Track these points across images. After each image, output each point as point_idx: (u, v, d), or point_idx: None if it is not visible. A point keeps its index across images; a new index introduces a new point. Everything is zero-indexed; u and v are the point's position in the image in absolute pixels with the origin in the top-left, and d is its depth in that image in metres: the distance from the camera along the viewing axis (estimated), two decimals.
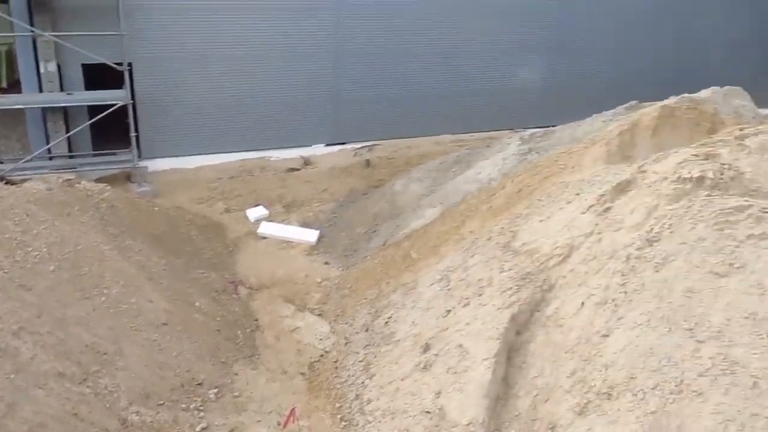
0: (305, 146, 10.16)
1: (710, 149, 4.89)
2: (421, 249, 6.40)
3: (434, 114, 10.94)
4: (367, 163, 9.92)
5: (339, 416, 4.99)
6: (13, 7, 8.03)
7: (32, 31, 7.99)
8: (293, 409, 4.99)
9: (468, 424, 4.09)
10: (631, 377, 3.76)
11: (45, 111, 8.50)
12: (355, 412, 4.90)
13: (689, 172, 4.52)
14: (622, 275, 4.22)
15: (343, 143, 10.43)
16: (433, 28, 10.57)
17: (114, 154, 8.83)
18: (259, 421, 5.03)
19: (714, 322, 3.80)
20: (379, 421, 4.65)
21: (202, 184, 9.01)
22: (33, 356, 4.35)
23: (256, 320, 6.42)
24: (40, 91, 8.34)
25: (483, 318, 4.51)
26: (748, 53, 12.89)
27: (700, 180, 4.48)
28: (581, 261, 4.52)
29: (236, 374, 5.49)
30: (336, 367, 5.56)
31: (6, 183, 7.00)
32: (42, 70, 8.27)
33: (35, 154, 8.38)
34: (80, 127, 8.50)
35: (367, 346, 5.50)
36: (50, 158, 8.64)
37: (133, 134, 8.48)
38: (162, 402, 4.81)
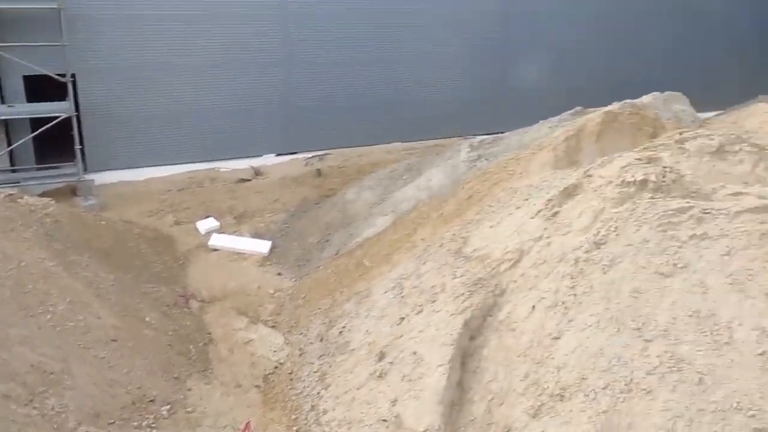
0: (256, 156, 10.09)
1: (652, 153, 5.03)
2: (374, 257, 6.40)
3: (385, 122, 10.98)
4: (319, 172, 9.90)
5: (295, 428, 4.95)
6: None
7: None
8: (248, 423, 4.93)
9: (424, 431, 4.10)
10: (583, 378, 3.82)
11: None
12: (311, 423, 4.86)
13: (633, 176, 4.64)
14: (571, 278, 4.30)
15: (294, 153, 10.39)
16: (382, 37, 10.63)
17: (58, 167, 8.62)
18: None
19: (660, 321, 3.90)
20: None
21: (151, 197, 8.85)
22: None
23: (209, 334, 6.32)
24: None
25: (437, 324, 4.53)
26: (688, 58, 13.29)
27: (644, 183, 4.60)
28: (531, 265, 4.59)
29: (189, 389, 5.39)
30: (291, 379, 5.51)
31: None
32: None
33: None
34: (22, 140, 8.28)
35: (321, 356, 5.47)
36: None
37: (77, 147, 8.30)
38: (113, 421, 4.69)
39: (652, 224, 4.31)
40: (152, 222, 8.28)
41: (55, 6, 7.95)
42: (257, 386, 5.68)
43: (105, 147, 9.03)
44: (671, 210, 4.36)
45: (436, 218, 6.34)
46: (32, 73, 8.15)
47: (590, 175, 4.97)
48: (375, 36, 10.56)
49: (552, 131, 7.25)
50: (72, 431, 4.41)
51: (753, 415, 3.38)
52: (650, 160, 4.86)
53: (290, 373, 5.59)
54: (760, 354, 3.62)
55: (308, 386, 5.24)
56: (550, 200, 4.95)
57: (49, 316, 5.09)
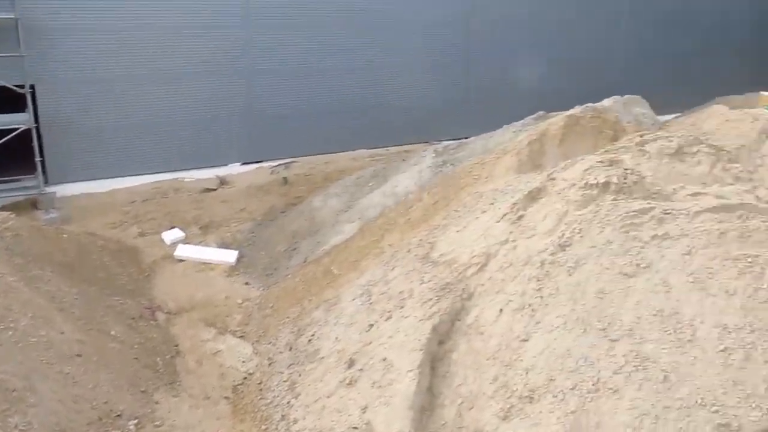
0: (221, 166, 10.02)
1: (613, 156, 5.12)
2: (342, 264, 6.39)
3: (350, 129, 11.00)
4: (285, 180, 9.86)
5: None
6: None
7: None
8: None
9: None
10: (551, 379, 3.86)
11: None
12: None
13: (595, 178, 4.71)
14: (538, 280, 4.34)
15: (260, 161, 10.34)
16: (346, 44, 10.65)
17: (18, 180, 8.46)
18: None
19: (625, 320, 3.95)
20: None
21: (115, 209, 8.74)
22: None
23: (176, 345, 6.25)
24: None
25: (405, 330, 4.54)
26: (648, 62, 13.55)
27: (606, 185, 4.67)
28: (498, 269, 4.62)
29: (157, 403, 5.32)
30: (260, 389, 5.47)
31: None
32: None
33: None
34: None
35: (291, 365, 5.44)
36: None
37: (38, 159, 8.16)
38: None
39: (615, 225, 4.38)
40: (116, 234, 8.17)
41: (12, 16, 7.82)
42: (226, 397, 5.62)
43: (66, 159, 8.89)
44: (633, 211, 4.44)
45: (403, 224, 6.36)
46: None
47: (554, 179, 5.03)
48: (339, 44, 10.58)
49: (516, 136, 7.33)
50: None
51: (716, 411, 3.44)
52: (612, 163, 4.94)
53: (260, 383, 5.54)
54: (722, 350, 3.69)
55: (278, 396, 5.21)
56: (514, 204, 5.00)
57: (11, 333, 4.98)
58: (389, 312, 4.89)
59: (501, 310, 4.36)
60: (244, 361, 6.01)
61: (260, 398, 5.34)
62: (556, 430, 3.63)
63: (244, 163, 10.24)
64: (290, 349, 5.66)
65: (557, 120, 6.47)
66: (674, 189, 4.81)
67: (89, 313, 5.91)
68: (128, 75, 9.10)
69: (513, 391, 3.95)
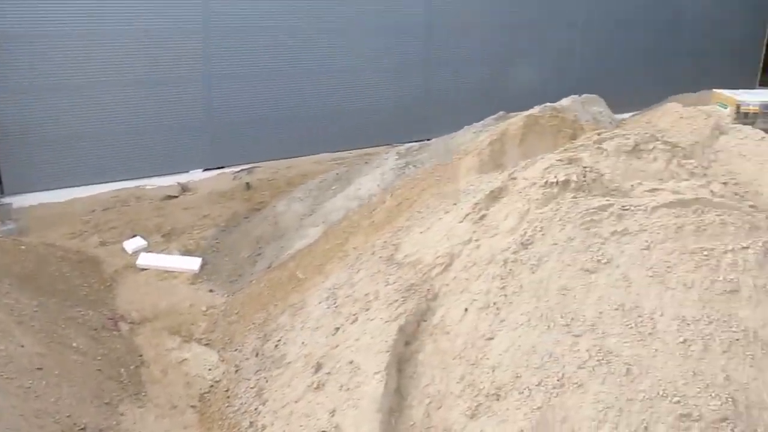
0: (182, 172, 9.92)
1: (573, 154, 5.20)
2: (307, 268, 6.38)
3: (312, 133, 10.98)
4: (248, 185, 9.80)
5: None
6: None
7: None
8: None
9: None
10: (517, 376, 3.90)
11: None
12: None
13: (555, 177, 4.78)
14: (501, 279, 4.39)
15: (222, 167, 10.26)
16: (306, 47, 10.63)
17: None
18: None
19: (588, 316, 4.02)
20: None
21: (74, 218, 8.58)
22: None
23: (141, 356, 6.16)
24: None
25: (372, 332, 4.55)
26: (605, 63, 13.78)
27: (566, 183, 4.74)
28: (462, 268, 4.66)
29: (122, 414, 5.24)
30: (228, 396, 5.43)
31: None
32: None
33: None
34: None
35: (258, 371, 5.41)
36: None
37: None
38: None
39: (576, 223, 4.45)
40: (76, 244, 8.03)
41: None
42: (193, 406, 5.56)
43: (23, 169, 8.72)
44: (593, 208, 4.52)
45: (367, 226, 6.37)
46: None
47: (515, 178, 5.09)
48: (300, 48, 10.56)
49: (477, 136, 7.39)
50: None
51: (678, 401, 3.52)
52: (571, 161, 5.02)
53: (227, 391, 5.50)
54: (682, 342, 3.78)
55: (245, 403, 5.17)
56: (477, 204, 5.05)
57: None
58: (355, 315, 4.90)
59: (466, 309, 4.39)
60: (210, 369, 5.95)
61: (227, 406, 5.30)
62: (522, 426, 3.67)
63: (205, 169, 10.15)
64: (257, 355, 5.63)
65: (517, 120, 6.55)
66: (632, 185, 4.91)
67: (50, 325, 5.80)
68: (86, 83, 8.96)
69: (480, 390, 3.98)
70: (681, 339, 3.78)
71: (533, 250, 4.43)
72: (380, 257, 5.38)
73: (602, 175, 4.92)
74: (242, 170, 10.21)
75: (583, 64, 13.57)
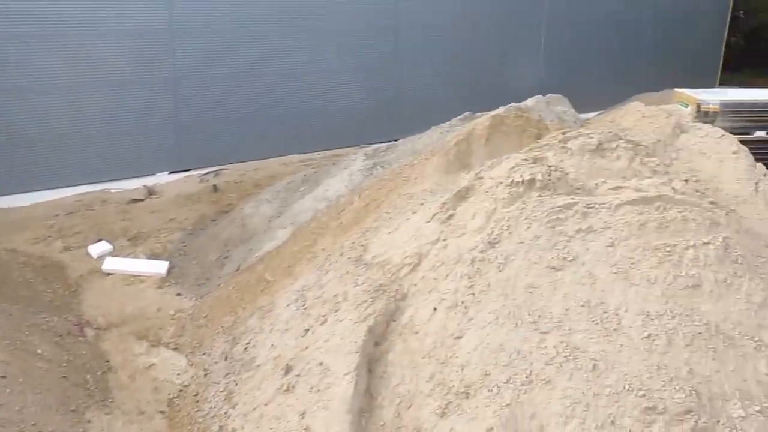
0: (148, 175, 9.82)
1: (538, 153, 5.26)
2: (276, 271, 6.35)
3: (280, 135, 10.95)
4: (215, 188, 9.72)
5: None
6: None
7: None
8: None
9: None
10: (486, 374, 3.93)
11: None
12: None
13: (521, 176, 4.83)
14: (469, 278, 4.42)
15: (189, 170, 10.18)
16: (273, 49, 10.60)
17: None
18: None
19: (554, 313, 4.07)
20: None
21: (37, 223, 8.44)
22: None
23: (107, 362, 6.08)
24: None
25: (341, 333, 4.55)
26: (569, 63, 13.95)
27: (531, 182, 4.80)
28: (430, 268, 4.68)
29: (89, 422, 5.16)
30: (197, 401, 5.38)
31: None
32: None
33: None
34: None
35: (227, 375, 5.37)
36: None
37: None
38: None
39: (542, 221, 4.51)
40: (39, 249, 7.90)
41: None
42: (162, 411, 5.51)
43: None
44: (558, 206, 4.57)
45: (335, 228, 6.36)
46: None
47: (481, 177, 5.13)
48: (266, 49, 10.52)
49: (443, 136, 7.44)
50: None
51: (643, 395, 3.58)
52: (536, 160, 5.07)
53: (196, 395, 5.45)
54: (646, 337, 3.85)
55: (215, 407, 5.14)
56: (444, 204, 5.08)
57: None
58: (324, 316, 4.89)
59: (435, 308, 4.41)
60: (178, 374, 5.90)
61: (197, 410, 5.26)
62: (492, 423, 3.70)
63: (172, 172, 10.06)
64: (226, 358, 5.59)
65: (483, 120, 6.60)
66: (596, 184, 4.98)
67: (13, 332, 5.70)
68: (49, 84, 8.83)
69: (449, 388, 4.01)
70: (645, 334, 3.85)
71: (500, 249, 4.47)
72: (349, 258, 5.38)
73: (567, 173, 4.98)
74: (209, 173, 10.14)
75: (548, 64, 13.72)
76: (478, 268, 4.43)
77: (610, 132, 5.62)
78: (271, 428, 4.45)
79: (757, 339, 3.88)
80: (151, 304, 6.99)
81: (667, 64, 15.11)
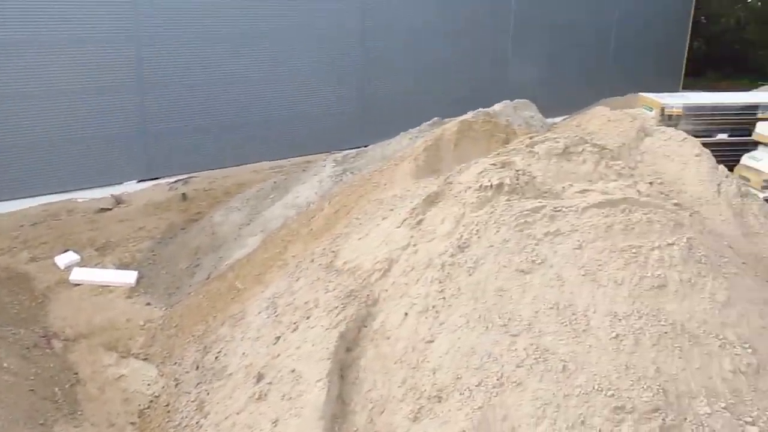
0: (116, 184, 9.71)
1: (505, 158, 5.31)
2: (246, 278, 6.33)
3: (250, 142, 10.91)
4: (184, 196, 9.65)
5: None
6: None
7: None
8: None
9: None
10: (458, 377, 3.95)
11: None
12: None
13: (489, 180, 4.87)
14: (440, 282, 4.44)
15: (157, 178, 10.08)
16: (243, 56, 10.56)
17: None
18: None
19: (524, 315, 4.11)
20: None
21: (1, 234, 8.29)
22: None
23: (76, 374, 6.00)
24: None
25: (313, 340, 4.54)
26: (537, 68, 14.11)
27: (500, 187, 4.84)
28: (401, 273, 4.70)
29: None
30: (168, 411, 5.33)
31: None
32: None
33: None
34: None
35: (198, 384, 5.33)
36: None
37: None
38: None
39: (510, 225, 4.55)
40: (4, 261, 7.76)
41: None
42: (132, 423, 5.45)
43: None
44: (526, 210, 4.62)
45: (305, 234, 6.36)
46: None
47: (450, 182, 5.17)
48: (234, 56, 10.49)
49: (412, 142, 7.48)
50: None
51: (612, 395, 3.64)
52: (504, 165, 5.12)
53: (167, 406, 5.40)
54: (614, 337, 3.90)
55: (186, 417, 5.09)
56: (414, 209, 5.10)
57: None
58: (296, 323, 4.88)
59: (406, 313, 4.43)
60: (149, 384, 5.84)
61: (168, 421, 5.21)
62: (464, 426, 3.72)
63: (140, 181, 9.96)
64: (197, 368, 5.55)
65: (451, 125, 6.65)
66: (563, 187, 5.04)
67: None
68: (13, 92, 8.70)
69: (422, 392, 4.02)
70: (613, 334, 3.90)
71: (470, 253, 4.51)
72: (319, 265, 5.38)
73: (534, 177, 5.04)
74: (178, 181, 10.06)
75: (515, 69, 13.87)
76: (448, 273, 4.46)
77: (577, 136, 5.69)
78: None
79: (721, 337, 3.96)
80: (121, 314, 6.91)
81: (632, 69, 15.37)
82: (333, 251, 5.47)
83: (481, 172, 5.02)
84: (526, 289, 4.23)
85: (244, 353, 5.17)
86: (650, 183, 5.37)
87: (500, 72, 13.71)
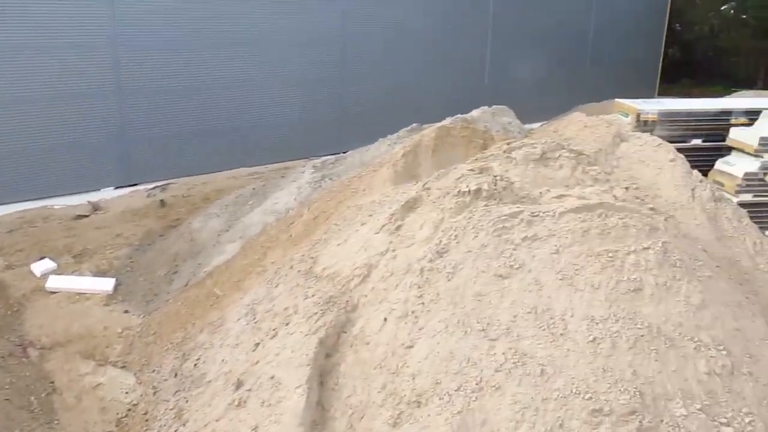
0: (93, 191, 9.63)
1: (483, 163, 5.35)
2: (225, 285, 6.30)
3: (228, 148, 10.88)
4: (162, 203, 9.59)
5: None
6: None
7: None
8: None
9: None
10: (437, 382, 3.96)
11: None
12: None
13: (467, 186, 4.90)
14: (419, 287, 4.46)
15: (135, 184, 10.02)
16: (221, 62, 10.54)
17: None
18: None
19: (503, 320, 4.13)
20: None
21: None
22: None
23: (52, 383, 5.93)
24: None
25: (292, 346, 4.53)
26: (514, 75, 14.23)
27: (478, 192, 4.87)
28: (380, 279, 4.71)
29: None
30: (146, 420, 5.30)
31: None
32: None
33: None
34: None
35: (177, 392, 5.29)
36: None
37: None
38: None
39: (488, 230, 4.58)
40: None
41: None
42: None
43: None
44: (504, 215, 4.66)
45: (284, 240, 6.35)
46: None
47: (429, 188, 5.19)
48: (212, 61, 10.46)
49: (391, 148, 7.50)
50: None
51: (590, 398, 3.67)
52: (482, 170, 5.16)
53: (145, 414, 5.36)
54: (592, 341, 3.94)
55: (165, 425, 5.05)
56: (392, 215, 5.11)
57: None
58: (275, 329, 4.87)
59: (385, 319, 4.44)
60: (127, 392, 5.79)
61: (146, 429, 5.17)
62: (444, 431, 3.73)
63: (117, 187, 9.89)
64: (175, 375, 5.51)
65: (429, 131, 6.69)
66: (540, 192, 5.08)
67: None
68: None
69: (401, 398, 4.03)
70: (591, 338, 3.94)
71: (448, 258, 4.53)
72: (299, 271, 5.38)
73: (512, 183, 5.07)
74: (156, 187, 10.00)
75: (493, 76, 13.97)
76: (427, 278, 4.47)
77: (554, 142, 5.75)
78: None
79: (696, 339, 4.01)
80: (98, 322, 6.84)
81: (608, 76, 15.55)
82: (312, 257, 5.47)
83: (460, 177, 5.05)
84: (504, 293, 4.25)
85: (223, 360, 5.15)
86: (626, 188, 5.43)
87: (478, 78, 13.80)
